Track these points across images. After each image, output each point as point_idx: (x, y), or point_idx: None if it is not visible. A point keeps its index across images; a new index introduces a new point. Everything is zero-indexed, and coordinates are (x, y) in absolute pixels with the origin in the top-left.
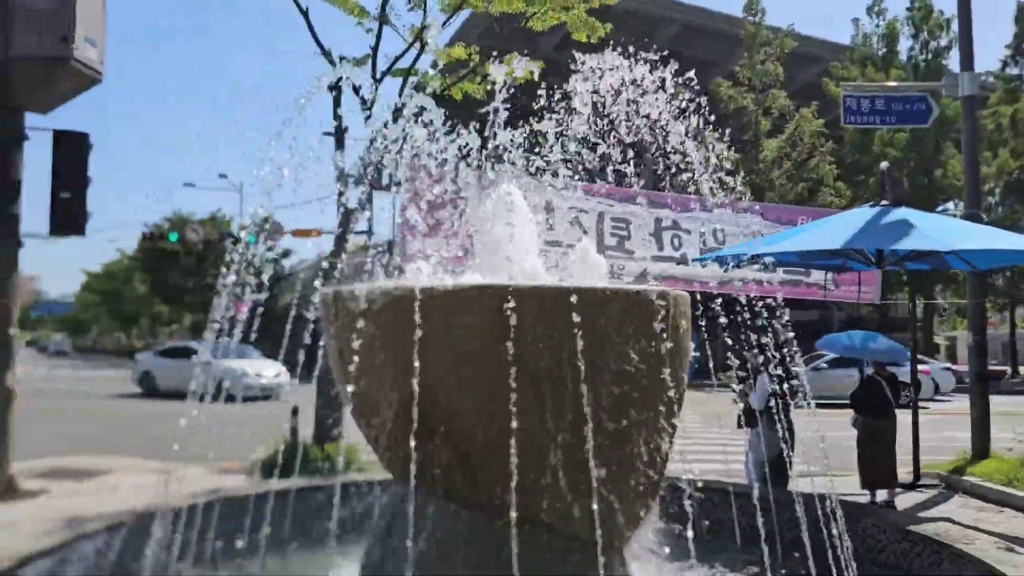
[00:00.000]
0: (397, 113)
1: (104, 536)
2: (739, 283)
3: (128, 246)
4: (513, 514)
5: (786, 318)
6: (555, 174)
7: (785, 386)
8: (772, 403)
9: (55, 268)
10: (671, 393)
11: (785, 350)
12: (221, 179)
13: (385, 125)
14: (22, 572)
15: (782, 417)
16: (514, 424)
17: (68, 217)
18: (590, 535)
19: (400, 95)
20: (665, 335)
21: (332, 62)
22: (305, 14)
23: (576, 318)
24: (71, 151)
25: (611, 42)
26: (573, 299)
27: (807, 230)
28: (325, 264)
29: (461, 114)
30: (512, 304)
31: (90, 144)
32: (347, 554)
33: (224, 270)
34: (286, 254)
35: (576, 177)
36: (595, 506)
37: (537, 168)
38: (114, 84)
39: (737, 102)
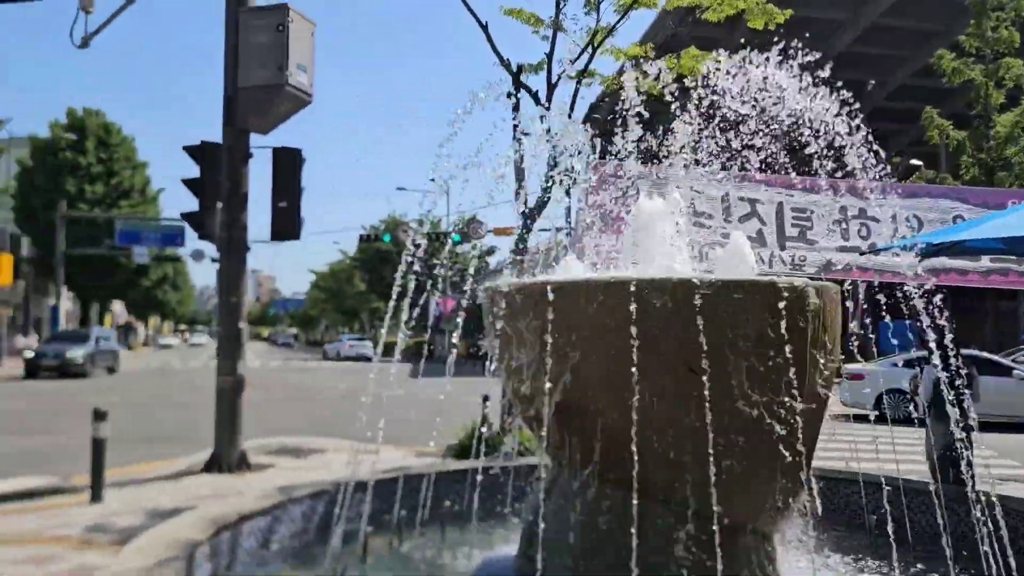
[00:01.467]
0: (589, 117)
1: (309, 502)
2: (938, 273)
3: (350, 247)
4: (635, 492)
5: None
6: (729, 167)
7: (945, 377)
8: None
9: (289, 269)
10: (813, 381)
11: (942, 340)
12: (430, 182)
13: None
14: (241, 526)
15: (952, 410)
16: (648, 408)
17: (286, 224)
18: (731, 518)
19: (574, 98)
20: (802, 324)
21: (510, 71)
22: (485, 28)
23: (701, 307)
24: (287, 165)
25: (802, 25)
26: (697, 290)
27: (1012, 213)
28: (509, 260)
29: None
30: (636, 295)
31: (303, 158)
32: (516, 528)
33: (402, 268)
34: (490, 252)
35: (752, 169)
36: (713, 490)
37: (710, 162)
38: (340, 103)
39: (963, 75)
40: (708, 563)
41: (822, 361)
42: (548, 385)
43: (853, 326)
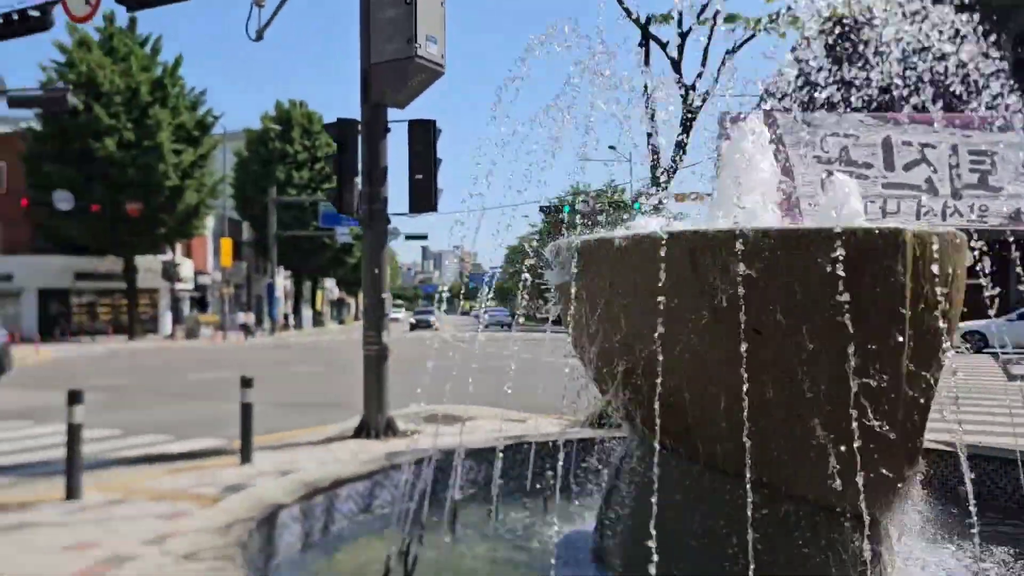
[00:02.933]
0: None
1: (414, 468)
2: None
3: (538, 219)
4: (701, 465)
5: None
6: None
7: None
8: None
9: (491, 244)
10: (914, 345)
11: None
12: (611, 151)
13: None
14: (337, 491)
15: None
16: (710, 374)
17: (423, 196)
18: (816, 499)
19: (707, 46)
20: (894, 278)
21: (638, 23)
22: None
23: (764, 262)
24: (421, 137)
25: None
26: (767, 242)
27: None
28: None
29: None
30: (696, 250)
31: (437, 130)
32: None
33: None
34: (676, 218)
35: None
36: (786, 466)
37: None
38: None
39: None
40: (788, 548)
41: (933, 321)
42: (593, 349)
43: None
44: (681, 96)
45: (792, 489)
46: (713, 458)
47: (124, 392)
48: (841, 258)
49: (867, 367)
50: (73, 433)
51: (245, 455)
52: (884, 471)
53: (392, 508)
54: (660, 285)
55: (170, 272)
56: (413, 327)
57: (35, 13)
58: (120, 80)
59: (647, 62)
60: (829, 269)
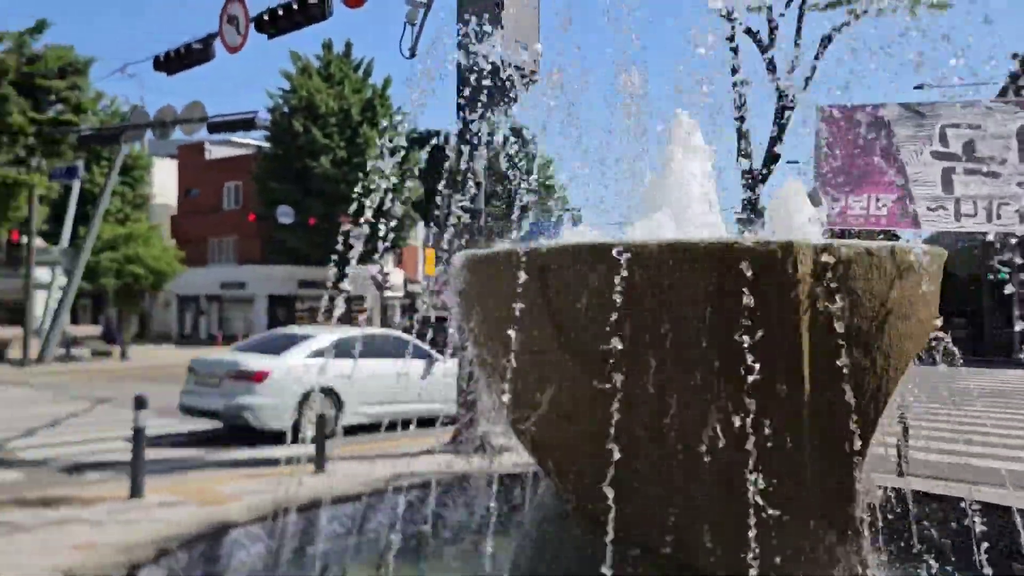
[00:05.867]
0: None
1: (416, 492)
2: None
3: None
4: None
5: None
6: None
7: None
8: None
9: None
10: (859, 381)
11: None
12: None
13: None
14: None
15: None
16: (572, 410)
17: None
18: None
19: (798, 31)
20: (784, 305)
21: (727, 16)
22: None
23: (641, 278)
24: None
25: None
26: (650, 256)
27: None
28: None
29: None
30: (551, 266)
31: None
32: None
33: None
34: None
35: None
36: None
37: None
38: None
39: None
40: None
41: (853, 357)
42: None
43: None
44: (778, 92)
45: (677, 554)
46: (587, 512)
47: None
48: (714, 281)
49: (755, 414)
50: (138, 436)
51: (319, 464)
52: (791, 538)
53: (363, 537)
54: (505, 309)
55: (378, 281)
56: None
57: (198, 47)
58: (335, 103)
59: (736, 55)
60: (696, 292)
